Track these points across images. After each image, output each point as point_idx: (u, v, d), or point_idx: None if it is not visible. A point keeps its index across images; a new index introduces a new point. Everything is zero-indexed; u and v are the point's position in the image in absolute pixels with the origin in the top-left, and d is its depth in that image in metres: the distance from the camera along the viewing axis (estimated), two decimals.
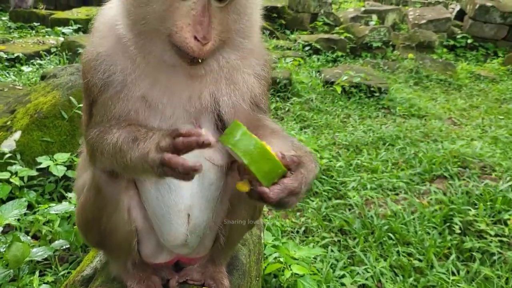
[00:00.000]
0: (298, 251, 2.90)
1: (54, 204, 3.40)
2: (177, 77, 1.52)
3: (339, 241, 3.73)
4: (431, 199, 4.37)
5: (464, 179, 4.71)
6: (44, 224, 3.21)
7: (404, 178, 4.91)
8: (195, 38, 1.33)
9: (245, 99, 1.63)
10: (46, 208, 3.17)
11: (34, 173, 3.67)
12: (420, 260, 3.50)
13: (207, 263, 1.93)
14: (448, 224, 3.94)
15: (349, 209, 4.23)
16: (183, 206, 1.69)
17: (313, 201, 4.33)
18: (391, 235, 3.77)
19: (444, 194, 4.47)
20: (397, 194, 4.59)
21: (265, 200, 1.28)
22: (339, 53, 11.19)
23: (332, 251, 3.54)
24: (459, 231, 3.82)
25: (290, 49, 11.08)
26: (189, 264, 1.94)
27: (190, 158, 1.22)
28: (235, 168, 1.65)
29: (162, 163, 1.25)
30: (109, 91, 1.54)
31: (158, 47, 1.42)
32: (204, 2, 1.34)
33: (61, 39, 9.82)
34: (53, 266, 2.96)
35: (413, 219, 4.01)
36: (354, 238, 3.77)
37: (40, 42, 9.54)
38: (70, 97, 4.05)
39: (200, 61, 1.40)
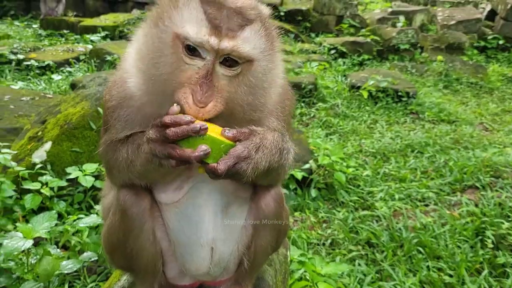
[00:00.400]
0: (324, 267, 2.85)
1: (83, 215, 3.46)
2: None
3: (366, 254, 3.66)
4: (462, 210, 4.24)
5: (497, 190, 4.55)
6: (73, 234, 3.28)
7: (433, 188, 4.78)
8: (193, 100, 1.40)
9: None
10: (75, 220, 3.22)
11: (63, 183, 3.74)
12: (451, 276, 3.39)
13: (232, 286, 1.92)
14: (480, 237, 3.81)
15: (377, 221, 4.14)
16: (206, 239, 1.71)
17: (339, 211, 4.27)
18: (420, 248, 3.66)
19: (476, 205, 4.33)
20: (426, 205, 4.47)
21: (216, 174, 1.36)
22: (366, 56, 11.03)
23: (359, 265, 3.47)
24: (491, 245, 3.69)
25: (315, 52, 10.98)
26: (214, 286, 1.93)
27: (216, 193, 1.26)
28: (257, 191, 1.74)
29: (154, 154, 1.41)
30: (116, 125, 1.65)
31: (163, 106, 1.47)
32: (209, 67, 1.41)
33: (90, 46, 10.05)
34: (81, 278, 3.01)
35: (444, 232, 3.89)
36: (382, 252, 3.69)
37: (69, 49, 9.78)
38: (98, 108, 4.12)
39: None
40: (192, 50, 1.41)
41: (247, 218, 1.81)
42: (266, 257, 1.95)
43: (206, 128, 1.34)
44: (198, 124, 1.34)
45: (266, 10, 1.57)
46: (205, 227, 1.70)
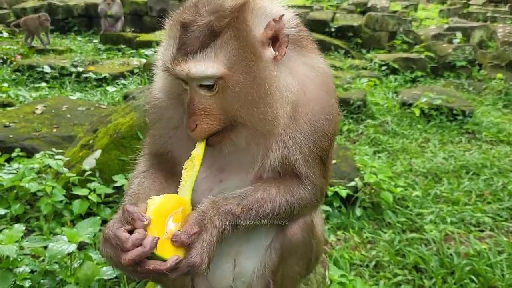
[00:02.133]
0: None
1: None
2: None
3: (413, 280, 3.44)
4: None
5: None
6: None
7: (490, 212, 4.46)
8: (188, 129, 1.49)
9: (272, 164, 1.60)
10: None
11: (110, 190, 3.85)
12: None
13: None
14: None
15: (426, 245, 3.90)
16: (228, 251, 1.68)
17: (385, 232, 4.07)
18: (473, 277, 3.40)
19: None
20: (481, 231, 4.16)
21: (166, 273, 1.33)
22: (419, 73, 10.65)
23: None
24: None
25: (365, 68, 10.77)
26: None
27: None
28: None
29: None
30: (157, 126, 1.75)
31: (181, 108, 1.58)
32: (190, 92, 1.46)
33: (144, 60, 10.45)
34: (121, 285, 3.05)
35: (500, 260, 3.60)
36: (431, 278, 3.46)
37: (125, 63, 10.22)
38: (146, 118, 4.22)
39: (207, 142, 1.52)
40: None
41: (273, 240, 1.74)
42: (295, 283, 1.86)
43: (157, 239, 1.30)
44: (150, 238, 1.30)
45: (242, 7, 1.41)
46: (228, 239, 1.65)
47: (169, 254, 1.33)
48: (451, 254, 3.69)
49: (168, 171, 1.71)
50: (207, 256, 1.39)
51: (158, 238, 1.29)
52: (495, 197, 4.84)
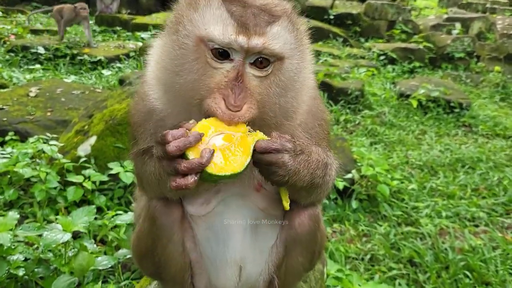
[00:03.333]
0: (362, 286, 2.71)
1: (121, 211, 3.50)
2: None
3: (408, 274, 3.46)
4: None
5: None
6: (111, 229, 3.31)
7: (485, 207, 4.48)
8: (226, 105, 1.31)
9: None
10: (113, 216, 3.25)
11: (105, 178, 3.81)
12: None
13: None
14: None
15: (421, 239, 3.92)
16: (233, 257, 1.65)
17: (381, 225, 4.07)
18: (468, 272, 3.42)
19: None
20: (476, 226, 4.18)
21: (257, 151, 1.29)
22: (417, 64, 10.62)
23: (400, 285, 3.28)
24: None
25: (364, 58, 10.71)
26: None
27: (245, 209, 1.17)
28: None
29: (166, 172, 1.31)
30: (142, 137, 1.62)
31: (187, 115, 1.40)
32: (239, 68, 1.32)
33: (140, 43, 10.29)
34: (116, 274, 3.03)
35: (495, 256, 3.62)
36: (425, 272, 3.48)
37: (120, 46, 10.06)
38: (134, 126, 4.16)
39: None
40: (219, 53, 1.33)
41: (278, 236, 1.71)
42: (299, 278, 1.84)
43: (202, 134, 1.24)
44: (195, 132, 1.24)
45: (290, 6, 1.48)
46: (233, 245, 1.63)
47: (222, 168, 1.25)
48: (446, 249, 3.71)
49: None
50: (297, 158, 1.33)
51: (203, 134, 1.24)
52: (490, 191, 4.86)
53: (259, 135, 1.33)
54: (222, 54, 1.33)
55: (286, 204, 1.43)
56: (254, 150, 1.29)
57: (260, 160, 1.29)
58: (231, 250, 1.64)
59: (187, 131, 1.25)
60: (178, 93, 1.40)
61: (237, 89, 1.31)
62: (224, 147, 1.26)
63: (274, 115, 1.42)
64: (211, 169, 1.22)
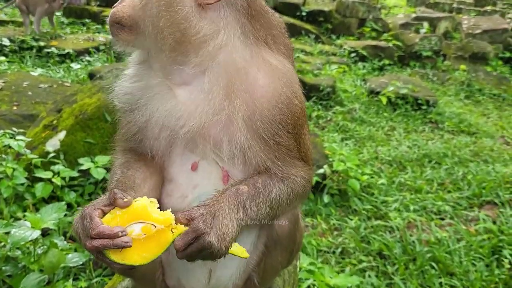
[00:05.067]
0: (334, 278, 2.77)
1: None
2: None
3: (377, 266, 3.56)
4: (479, 227, 4.11)
5: None
6: None
7: (450, 201, 4.65)
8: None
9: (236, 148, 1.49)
10: None
11: (75, 174, 3.73)
12: None
13: None
14: (496, 256, 3.68)
15: (390, 232, 4.03)
16: (203, 262, 1.61)
17: (351, 219, 4.17)
18: (434, 264, 3.55)
19: (494, 222, 4.19)
20: (442, 219, 4.34)
21: (179, 251, 1.27)
22: (386, 61, 10.86)
23: (369, 276, 3.38)
24: (508, 266, 3.55)
25: (335, 54, 10.86)
26: None
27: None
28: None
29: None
30: (124, 115, 1.67)
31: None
32: None
33: (110, 36, 10.06)
34: (87, 271, 2.99)
35: (459, 248, 3.77)
36: (394, 264, 3.59)
37: (90, 39, 9.82)
38: (117, 113, 4.09)
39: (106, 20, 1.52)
40: None
41: (258, 237, 1.71)
42: (276, 274, 1.87)
43: (129, 245, 1.21)
44: (122, 239, 1.21)
45: None
46: None
47: (128, 257, 1.24)
48: (413, 241, 3.83)
49: (147, 161, 1.63)
50: (214, 225, 1.29)
51: (130, 241, 1.21)
52: (455, 186, 5.04)
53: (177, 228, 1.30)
54: None
55: (243, 254, 1.39)
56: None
57: (190, 255, 1.28)
58: None
59: (120, 232, 1.22)
60: None
61: None
62: (139, 237, 1.26)
63: (154, 32, 1.45)
64: (115, 256, 1.24)
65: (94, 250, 1.22)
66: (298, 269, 2.40)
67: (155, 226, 1.26)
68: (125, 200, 1.26)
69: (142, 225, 1.26)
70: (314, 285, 2.75)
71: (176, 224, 1.29)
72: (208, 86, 1.46)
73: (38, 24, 9.90)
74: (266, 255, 1.72)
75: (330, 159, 4.69)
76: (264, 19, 1.57)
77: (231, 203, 1.37)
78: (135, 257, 1.23)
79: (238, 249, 1.37)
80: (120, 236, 1.21)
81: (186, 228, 1.28)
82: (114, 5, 1.50)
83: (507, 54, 12.24)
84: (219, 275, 1.68)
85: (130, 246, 1.21)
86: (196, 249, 1.26)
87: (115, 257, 1.22)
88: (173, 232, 1.27)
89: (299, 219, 1.76)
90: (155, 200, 1.35)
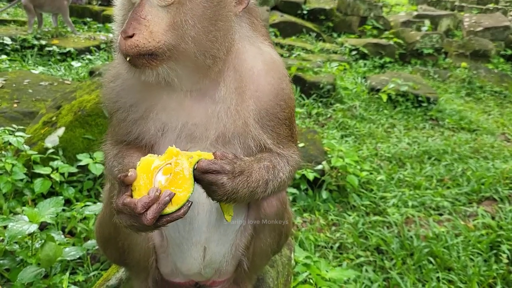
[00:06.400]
0: (330, 271, 2.78)
1: (91, 202, 3.46)
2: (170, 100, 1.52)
3: (374, 261, 3.56)
4: (477, 222, 4.10)
5: None
6: (80, 221, 3.27)
7: (449, 197, 4.64)
8: (121, 33, 1.33)
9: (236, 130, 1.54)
10: (82, 207, 3.22)
11: (74, 169, 3.75)
12: None
13: (231, 286, 1.86)
14: (494, 251, 3.68)
15: (388, 227, 4.04)
16: (199, 239, 1.66)
17: (350, 215, 4.17)
18: (431, 259, 3.55)
19: (493, 218, 4.19)
20: (440, 214, 4.34)
21: (199, 170, 1.30)
22: (387, 59, 10.85)
23: (366, 271, 3.38)
24: (506, 261, 3.55)
25: (336, 52, 10.85)
26: (210, 286, 1.87)
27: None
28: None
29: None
30: (115, 114, 1.63)
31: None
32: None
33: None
34: (85, 265, 3.00)
35: (457, 243, 3.77)
36: (391, 259, 3.59)
37: (91, 37, 9.86)
38: (106, 105, 4.11)
39: (128, 59, 1.36)
40: None
41: (246, 218, 1.74)
42: (266, 259, 1.88)
43: (173, 193, 1.25)
44: (163, 194, 1.24)
45: None
46: (199, 225, 1.64)
47: (177, 200, 1.27)
48: (411, 237, 3.83)
49: (139, 151, 1.64)
50: (236, 179, 1.34)
51: (174, 194, 1.25)
52: (455, 182, 5.04)
53: (201, 154, 1.34)
54: None
55: (228, 217, 1.45)
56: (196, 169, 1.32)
57: (201, 180, 1.31)
58: (196, 231, 1.65)
59: (156, 192, 1.24)
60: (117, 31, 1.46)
61: (133, 16, 1.32)
62: (168, 182, 1.29)
63: (192, 50, 1.38)
64: (169, 209, 1.26)
65: (153, 220, 1.22)
66: (292, 261, 2.41)
67: (170, 164, 1.30)
68: (130, 173, 1.27)
69: (161, 172, 1.30)
70: (310, 278, 2.76)
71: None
72: (224, 93, 1.51)
73: (70, 23, 10.32)
74: (255, 237, 1.74)
75: (329, 156, 4.70)
76: (255, 12, 1.61)
77: (260, 175, 1.46)
78: (181, 195, 1.27)
79: (229, 208, 1.44)
80: (160, 194, 1.23)
81: (202, 155, 1.33)
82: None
83: (509, 52, 12.21)
84: (213, 252, 1.71)
85: (174, 194, 1.24)
86: (211, 179, 1.31)
87: (171, 209, 1.26)
88: (192, 159, 1.31)
89: (286, 202, 1.79)
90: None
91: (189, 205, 1.27)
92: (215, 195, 1.33)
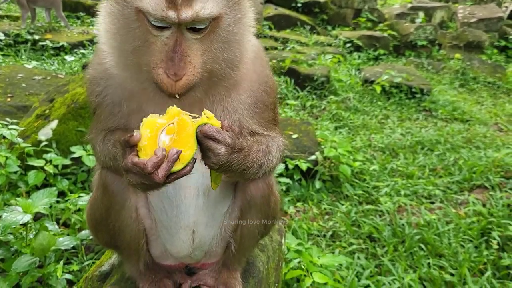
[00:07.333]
0: (321, 258, 2.81)
1: (84, 194, 3.48)
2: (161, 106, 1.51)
3: (367, 248, 3.61)
4: (468, 209, 4.15)
5: (506, 191, 4.45)
6: (74, 212, 3.30)
7: (441, 186, 4.69)
8: (167, 75, 1.34)
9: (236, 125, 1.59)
10: (76, 198, 3.24)
11: (67, 162, 3.77)
12: (452, 275, 3.32)
13: (220, 268, 1.89)
14: (485, 238, 3.73)
15: (380, 216, 4.08)
16: (187, 222, 1.69)
17: (342, 204, 4.21)
18: (422, 246, 3.60)
19: (483, 205, 4.24)
20: (432, 203, 4.39)
21: (202, 132, 1.33)
22: (381, 51, 10.87)
23: (358, 258, 3.42)
24: (496, 247, 3.61)
25: (330, 45, 10.86)
26: (200, 268, 1.91)
27: (197, 174, 1.38)
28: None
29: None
30: (102, 108, 1.63)
31: (142, 80, 1.44)
32: (176, 36, 1.33)
33: None
34: (79, 255, 3.03)
35: (448, 230, 3.82)
36: (383, 247, 3.64)
37: (84, 32, 9.83)
38: (90, 98, 4.12)
39: (177, 96, 1.38)
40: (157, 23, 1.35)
41: (234, 200, 1.77)
42: (254, 241, 1.91)
43: (180, 151, 1.28)
44: (171, 153, 1.27)
45: None
46: (186, 209, 1.67)
47: (184, 158, 1.31)
48: (403, 224, 3.88)
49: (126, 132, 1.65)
50: (233, 153, 1.37)
51: (181, 151, 1.28)
52: (447, 171, 5.09)
53: (211, 118, 1.36)
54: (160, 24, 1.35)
55: (214, 185, 1.47)
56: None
57: (201, 142, 1.34)
58: (184, 214, 1.67)
59: (163, 152, 1.27)
60: (130, 58, 1.42)
61: (177, 59, 1.34)
62: (172, 141, 1.32)
63: (220, 68, 1.45)
64: (177, 167, 1.30)
65: (164, 177, 1.26)
66: (284, 246, 2.44)
67: (173, 124, 1.33)
68: (135, 134, 1.30)
69: (164, 132, 1.33)
70: (301, 264, 2.79)
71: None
72: (231, 103, 1.59)
73: (64, 17, 10.35)
74: (241, 219, 1.77)
75: (322, 146, 4.73)
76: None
77: (256, 157, 1.50)
78: (186, 154, 1.30)
79: (218, 178, 1.47)
80: (166, 153, 1.27)
81: (209, 120, 1.35)
82: (175, 76, 1.34)
83: (503, 43, 12.26)
84: (202, 235, 1.74)
85: (181, 152, 1.28)
86: (211, 146, 1.34)
87: (178, 167, 1.29)
88: (198, 120, 1.34)
89: (273, 183, 1.81)
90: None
91: (194, 162, 1.31)
92: (209, 161, 1.36)
